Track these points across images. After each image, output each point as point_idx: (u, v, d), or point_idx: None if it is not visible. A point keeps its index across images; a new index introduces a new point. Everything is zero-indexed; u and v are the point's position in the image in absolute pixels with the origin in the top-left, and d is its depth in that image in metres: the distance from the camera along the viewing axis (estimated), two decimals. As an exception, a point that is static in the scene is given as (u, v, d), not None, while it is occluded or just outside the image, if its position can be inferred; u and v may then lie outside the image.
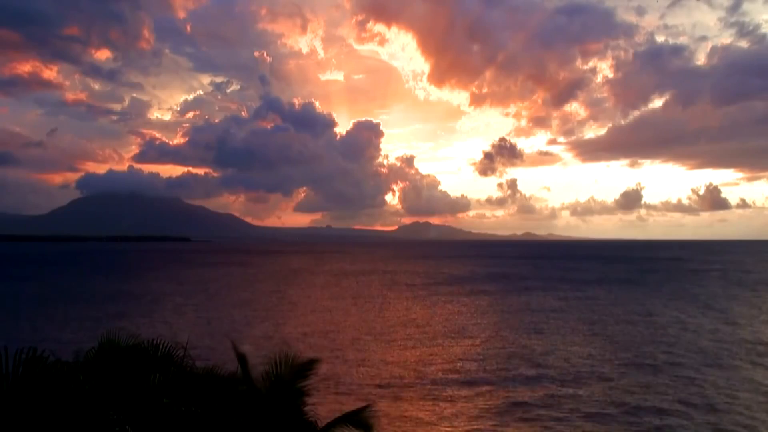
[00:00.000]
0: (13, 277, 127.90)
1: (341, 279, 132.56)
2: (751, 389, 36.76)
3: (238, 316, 69.81)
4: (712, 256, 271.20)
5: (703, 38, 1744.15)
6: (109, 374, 11.08)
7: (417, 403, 34.20)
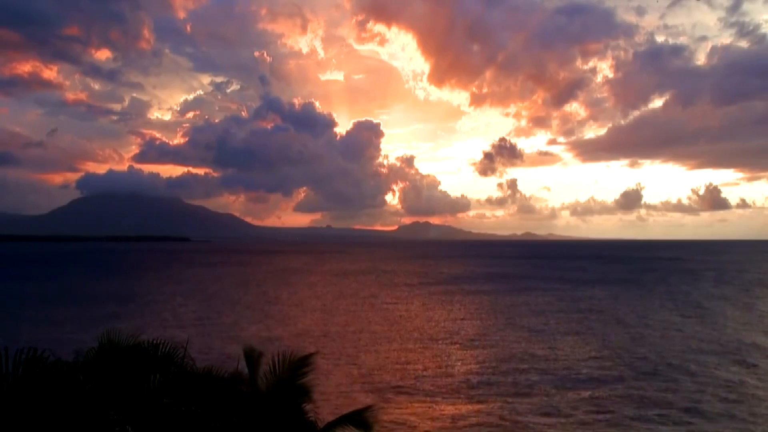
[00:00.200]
0: (13, 277, 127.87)
1: (341, 279, 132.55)
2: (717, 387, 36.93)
3: (238, 315, 69.79)
4: (711, 256, 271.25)
5: (703, 38, 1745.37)
6: (109, 374, 11.08)
7: (416, 403, 34.19)
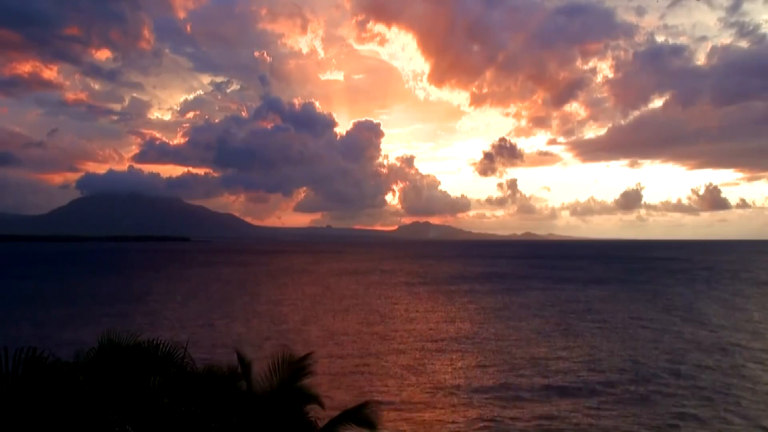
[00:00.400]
0: (13, 277, 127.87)
1: (341, 279, 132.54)
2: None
3: (238, 315, 69.76)
4: (709, 256, 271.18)
5: (703, 38, 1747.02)
6: (109, 374, 11.07)
7: (413, 404, 34.19)
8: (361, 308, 77.71)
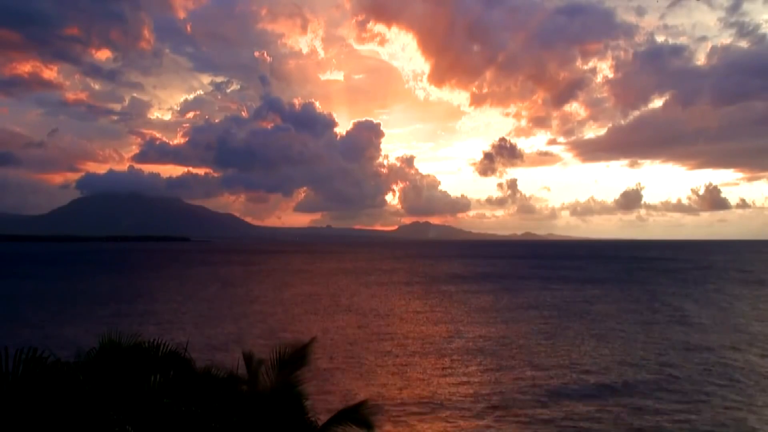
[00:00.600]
0: (13, 277, 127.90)
1: (341, 278, 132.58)
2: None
3: (238, 315, 69.77)
4: (708, 256, 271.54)
5: (703, 38, 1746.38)
6: (110, 374, 11.07)
7: (411, 404, 34.19)
8: (361, 308, 77.70)
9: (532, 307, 77.00)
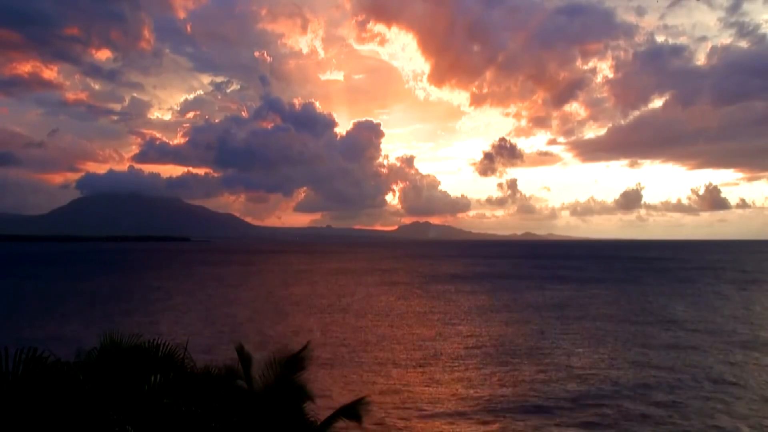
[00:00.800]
0: (13, 277, 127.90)
1: (340, 278, 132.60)
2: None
3: (238, 315, 69.81)
4: (707, 256, 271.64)
5: (703, 38, 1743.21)
6: (110, 374, 11.08)
7: (408, 404, 34.21)
8: (360, 307, 77.72)
9: (530, 307, 76.97)
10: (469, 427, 30.26)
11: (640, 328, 60.74)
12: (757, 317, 69.12)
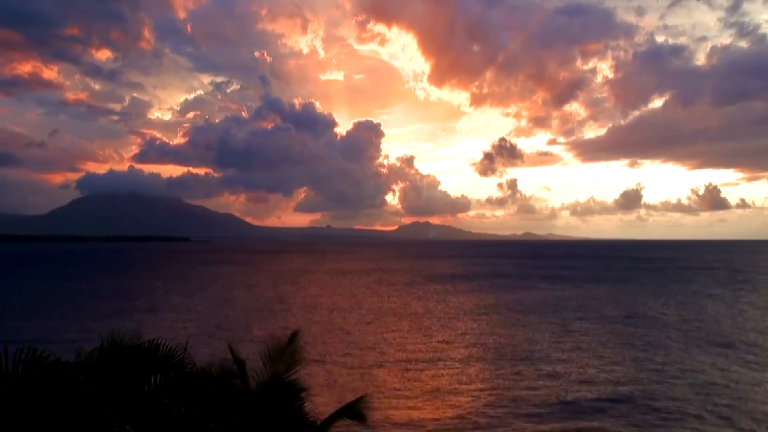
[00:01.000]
0: (13, 277, 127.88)
1: (340, 278, 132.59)
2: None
3: (238, 315, 69.80)
4: (705, 256, 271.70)
5: (703, 38, 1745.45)
6: (110, 374, 11.07)
7: (407, 402, 34.22)
8: (359, 307, 77.72)
9: (528, 307, 76.95)
10: (466, 427, 30.28)
11: (618, 327, 60.95)
12: (737, 317, 68.70)
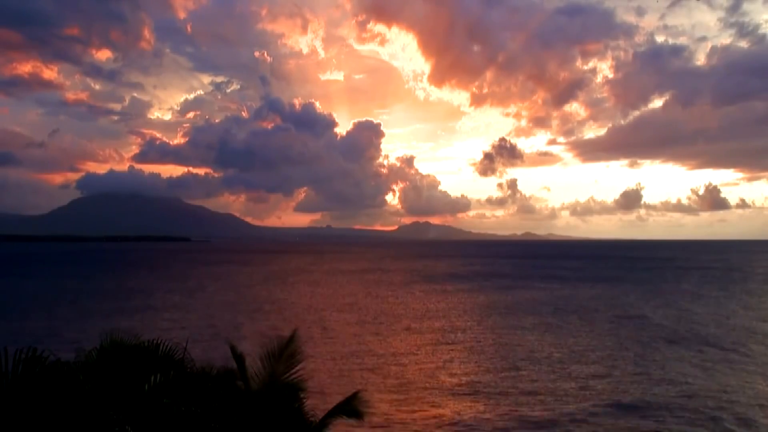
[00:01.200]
0: (12, 277, 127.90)
1: (340, 278, 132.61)
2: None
3: (238, 315, 69.80)
4: (705, 256, 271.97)
5: (703, 38, 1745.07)
6: (110, 374, 11.07)
7: (405, 401, 34.24)
8: (359, 307, 77.72)
9: (527, 307, 76.99)
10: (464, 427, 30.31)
11: (606, 326, 61.28)
12: (721, 317, 68.47)
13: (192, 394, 11.21)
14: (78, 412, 9.68)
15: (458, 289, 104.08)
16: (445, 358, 46.12)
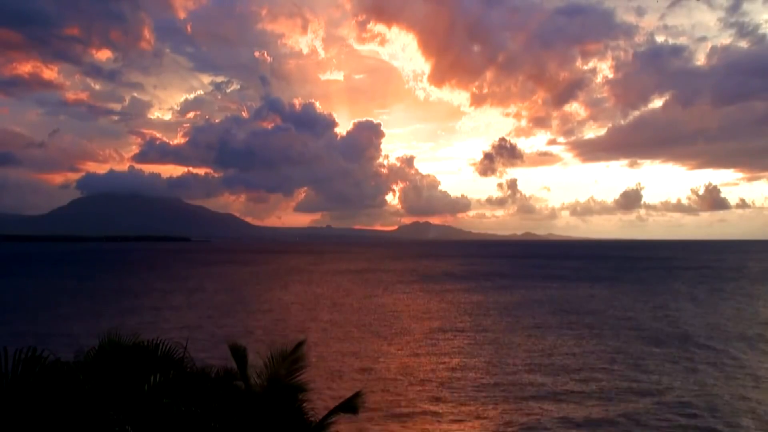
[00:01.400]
0: (13, 277, 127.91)
1: (340, 278, 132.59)
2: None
3: (238, 314, 69.80)
4: (704, 256, 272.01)
5: (703, 38, 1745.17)
6: (110, 374, 11.07)
7: (404, 400, 34.24)
8: (359, 307, 77.72)
9: (525, 307, 77.01)
10: (462, 426, 30.32)
11: (597, 325, 61.19)
12: (710, 317, 68.50)
13: (192, 394, 11.22)
14: (78, 412, 9.68)
15: (458, 289, 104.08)
16: (445, 358, 46.14)
